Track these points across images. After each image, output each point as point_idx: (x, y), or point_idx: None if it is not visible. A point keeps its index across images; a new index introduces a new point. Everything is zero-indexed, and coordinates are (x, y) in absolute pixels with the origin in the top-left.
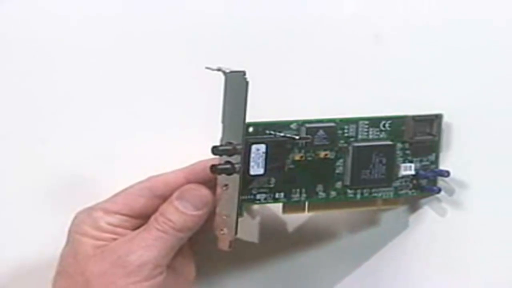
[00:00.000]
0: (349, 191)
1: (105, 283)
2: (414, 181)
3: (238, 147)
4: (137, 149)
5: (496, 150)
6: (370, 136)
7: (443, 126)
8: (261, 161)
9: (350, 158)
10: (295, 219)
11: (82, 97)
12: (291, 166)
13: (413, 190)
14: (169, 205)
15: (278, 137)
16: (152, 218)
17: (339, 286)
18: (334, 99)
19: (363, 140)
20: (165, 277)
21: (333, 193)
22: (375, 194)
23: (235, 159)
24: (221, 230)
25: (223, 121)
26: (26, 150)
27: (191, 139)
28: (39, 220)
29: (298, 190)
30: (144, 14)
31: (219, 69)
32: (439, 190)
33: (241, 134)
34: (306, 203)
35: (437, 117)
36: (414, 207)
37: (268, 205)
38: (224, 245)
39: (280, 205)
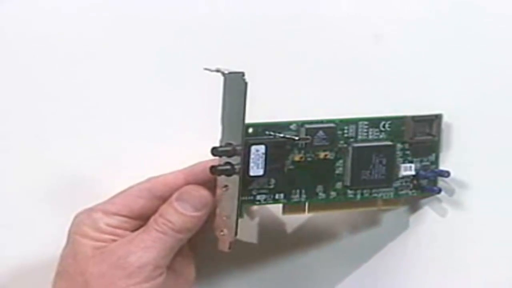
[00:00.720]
0: (349, 191)
1: (105, 284)
2: (414, 182)
3: (238, 148)
4: (137, 150)
5: (496, 150)
6: (370, 137)
7: (443, 126)
8: (261, 162)
9: (350, 158)
10: (295, 220)
11: (82, 97)
12: (291, 166)
13: (413, 191)
14: (168, 206)
15: (278, 138)
16: (152, 219)
17: (339, 286)
18: (334, 99)
19: (363, 140)
20: (165, 278)
21: (333, 194)
22: (375, 195)
23: (235, 160)
24: (221, 231)
25: (223, 122)
26: (26, 150)
27: (191, 140)
28: (39, 220)
29: (298, 190)
30: (144, 15)
31: (217, 70)
32: (439, 191)
33: (240, 135)
34: (306, 204)
35: (437, 117)
36: (414, 207)
37: (268, 206)
38: (224, 246)
39: (280, 206)
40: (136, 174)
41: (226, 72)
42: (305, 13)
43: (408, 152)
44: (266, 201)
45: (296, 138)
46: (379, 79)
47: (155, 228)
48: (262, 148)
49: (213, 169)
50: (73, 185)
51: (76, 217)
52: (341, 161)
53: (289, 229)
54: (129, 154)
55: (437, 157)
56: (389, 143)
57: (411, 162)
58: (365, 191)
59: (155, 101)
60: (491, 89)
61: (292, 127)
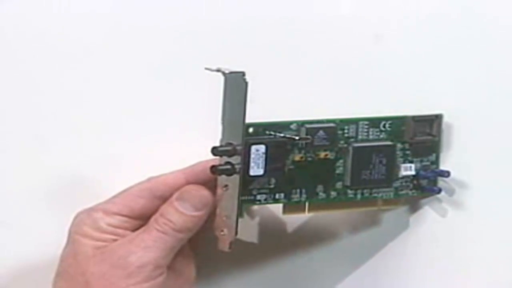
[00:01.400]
0: (349, 191)
1: (105, 284)
2: (415, 182)
3: (238, 147)
4: (137, 149)
5: (496, 150)
6: (370, 137)
7: (443, 126)
8: (261, 161)
9: (350, 158)
10: (295, 220)
11: (82, 97)
12: (291, 166)
13: (413, 191)
14: (169, 206)
15: (278, 138)
16: (152, 219)
17: (339, 286)
18: (334, 99)
19: (363, 140)
20: (165, 278)
21: (333, 194)
22: (376, 195)
23: (235, 159)
24: (221, 230)
25: (223, 122)
26: (26, 150)
27: (191, 140)
28: (39, 220)
29: (298, 190)
30: (144, 15)
31: (218, 70)
32: (440, 191)
33: (241, 134)
34: (306, 204)
35: (437, 117)
36: (414, 207)
37: (268, 205)
38: (224, 245)
39: (280, 205)
40: (136, 174)
41: (226, 72)
42: (306, 13)
43: (408, 152)
44: (266, 201)
45: (297, 138)
46: (379, 79)
47: (156, 227)
48: (262, 148)
49: (213, 168)
50: (73, 185)
51: (76, 216)
52: (341, 161)
53: (289, 229)
54: (129, 154)
55: (437, 157)
56: (389, 143)
57: (411, 162)
58: (365, 191)
59: (155, 101)
60: (491, 89)
61: (292, 127)
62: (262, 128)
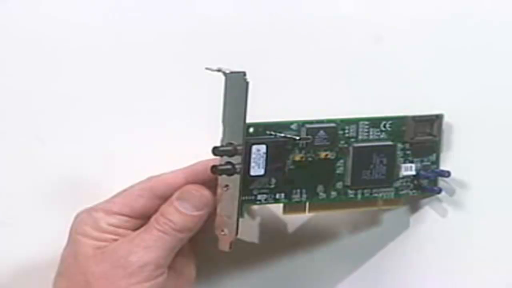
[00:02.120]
0: (349, 191)
1: (106, 284)
2: (415, 182)
3: (239, 147)
4: (138, 149)
5: (496, 150)
6: (371, 137)
7: (444, 126)
8: (262, 161)
9: (351, 158)
10: (295, 220)
11: (82, 97)
12: (292, 166)
13: (413, 191)
14: (169, 205)
15: (279, 138)
16: (153, 218)
17: (339, 286)
18: (334, 99)
19: (363, 140)
20: (165, 278)
21: (333, 194)
22: (376, 195)
23: (236, 159)
24: (222, 230)
25: (224, 122)
26: (26, 150)
27: (192, 140)
28: (39, 220)
29: (298, 190)
30: (144, 14)
31: (219, 70)
32: (440, 191)
33: (241, 134)
34: (307, 204)
35: (438, 118)
36: (414, 207)
37: (269, 205)
38: (224, 245)
39: (281, 205)
40: (136, 173)
41: (227, 71)
42: (306, 13)
43: (408, 152)
44: (267, 201)
45: (297, 138)
46: (379, 79)
47: (156, 227)
48: (263, 148)
49: (214, 168)
50: (73, 185)
51: (77, 216)
52: (341, 161)
53: (290, 229)
54: (129, 154)
55: (437, 157)
56: (390, 143)
57: (411, 162)
58: (365, 191)
59: (156, 101)
60: (491, 90)
61: (293, 127)
62: (263, 128)
